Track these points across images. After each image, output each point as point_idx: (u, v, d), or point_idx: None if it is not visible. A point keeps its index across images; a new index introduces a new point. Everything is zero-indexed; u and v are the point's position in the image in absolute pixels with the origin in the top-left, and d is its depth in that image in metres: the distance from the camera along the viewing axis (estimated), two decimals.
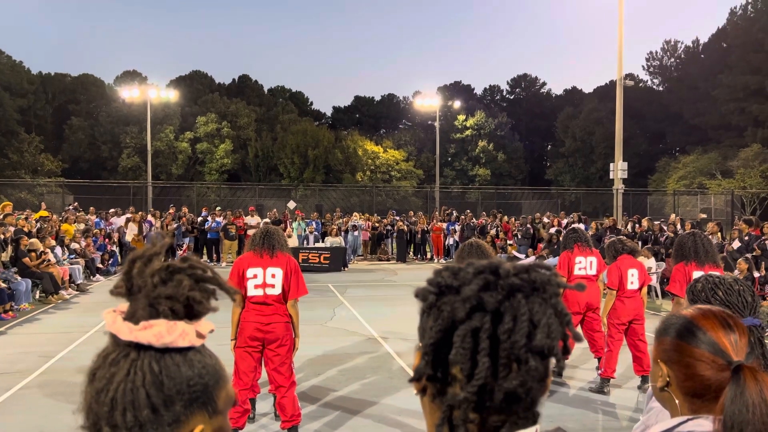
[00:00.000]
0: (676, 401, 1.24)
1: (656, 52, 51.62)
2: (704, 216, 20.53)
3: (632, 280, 6.27)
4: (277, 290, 4.60)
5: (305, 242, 18.60)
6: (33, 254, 11.68)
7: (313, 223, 19.64)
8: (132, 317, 0.80)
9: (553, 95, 59.88)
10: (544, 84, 60.95)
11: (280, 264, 4.64)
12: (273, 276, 4.60)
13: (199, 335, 0.82)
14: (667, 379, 1.26)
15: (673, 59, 50.62)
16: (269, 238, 4.71)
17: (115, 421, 0.75)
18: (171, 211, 19.68)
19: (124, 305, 0.83)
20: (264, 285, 4.58)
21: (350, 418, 5.42)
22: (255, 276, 4.58)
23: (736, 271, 9.91)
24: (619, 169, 22.99)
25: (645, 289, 6.46)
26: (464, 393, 0.76)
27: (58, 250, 13.31)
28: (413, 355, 0.86)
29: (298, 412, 4.71)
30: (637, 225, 16.68)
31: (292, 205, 22.76)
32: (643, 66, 53.12)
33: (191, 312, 0.83)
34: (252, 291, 4.58)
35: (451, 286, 0.81)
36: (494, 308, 0.77)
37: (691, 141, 43.64)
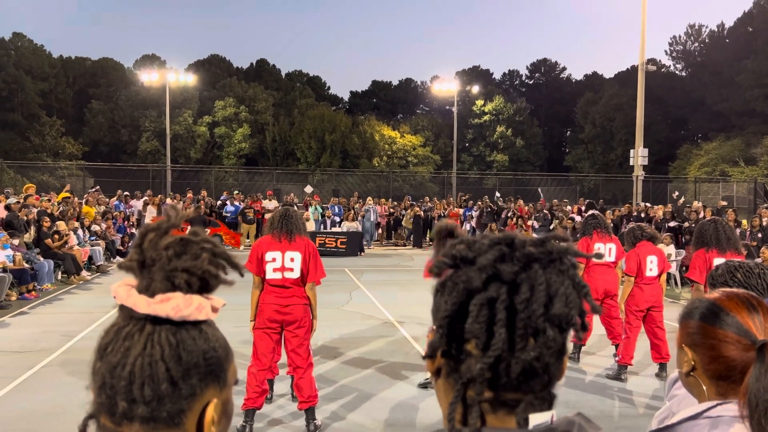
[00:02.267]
0: (703, 386, 1.23)
1: (680, 37, 50.61)
2: (725, 203, 20.17)
3: (651, 267, 6.20)
4: (295, 274, 4.64)
5: (322, 227, 18.68)
6: (56, 236, 11.87)
7: (336, 207, 19.68)
8: (146, 290, 0.79)
9: (573, 80, 59.06)
10: (564, 69, 60.15)
11: (299, 248, 4.68)
12: (292, 260, 4.64)
13: (214, 309, 0.82)
14: (692, 363, 1.24)
15: (696, 44, 49.58)
16: (287, 222, 4.73)
17: (133, 395, 0.74)
18: (189, 195, 19.86)
19: (129, 279, 0.82)
20: (283, 269, 4.63)
21: (366, 400, 5.46)
22: (273, 260, 4.63)
23: (759, 259, 9.76)
24: (639, 156, 22.67)
25: (664, 276, 6.38)
26: (480, 364, 0.74)
27: (80, 231, 13.52)
28: (427, 337, 0.84)
29: (315, 393, 4.76)
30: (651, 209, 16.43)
31: (309, 189, 22.80)
32: (665, 51, 52.30)
33: (205, 286, 0.82)
34: (271, 274, 4.62)
35: (466, 257, 0.80)
36: (511, 279, 0.76)
37: (713, 128, 42.85)
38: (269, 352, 4.68)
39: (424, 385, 5.81)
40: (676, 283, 12.34)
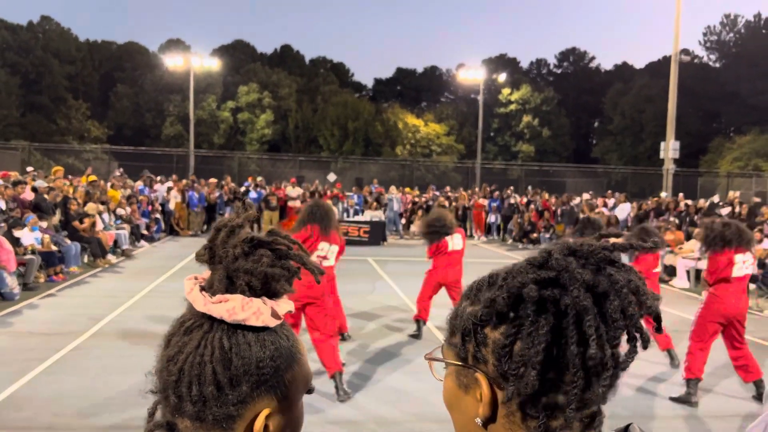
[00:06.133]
0: None
1: (714, 27, 49.27)
2: (758, 200, 19.56)
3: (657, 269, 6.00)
4: (330, 262, 5.45)
5: (345, 215, 18.59)
6: (87, 219, 11.95)
7: (355, 197, 19.53)
8: (210, 288, 0.79)
9: (603, 70, 57.89)
10: (593, 58, 58.95)
11: (336, 242, 5.52)
12: (332, 252, 5.48)
13: (275, 315, 0.78)
14: None
15: (732, 34, 48.21)
16: (327, 218, 5.44)
17: (181, 392, 0.74)
18: (213, 180, 19.90)
19: (207, 273, 0.81)
20: (325, 257, 5.38)
21: (394, 393, 5.34)
22: (321, 249, 5.36)
23: None
24: (670, 149, 22.15)
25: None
26: (600, 387, 0.71)
27: (105, 215, 13.60)
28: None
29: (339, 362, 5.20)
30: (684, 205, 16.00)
31: (332, 177, 22.72)
32: (699, 41, 50.83)
33: (270, 289, 0.79)
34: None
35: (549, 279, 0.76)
36: (595, 288, 0.73)
37: (747, 121, 41.71)
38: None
39: (414, 335, 7.05)
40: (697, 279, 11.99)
